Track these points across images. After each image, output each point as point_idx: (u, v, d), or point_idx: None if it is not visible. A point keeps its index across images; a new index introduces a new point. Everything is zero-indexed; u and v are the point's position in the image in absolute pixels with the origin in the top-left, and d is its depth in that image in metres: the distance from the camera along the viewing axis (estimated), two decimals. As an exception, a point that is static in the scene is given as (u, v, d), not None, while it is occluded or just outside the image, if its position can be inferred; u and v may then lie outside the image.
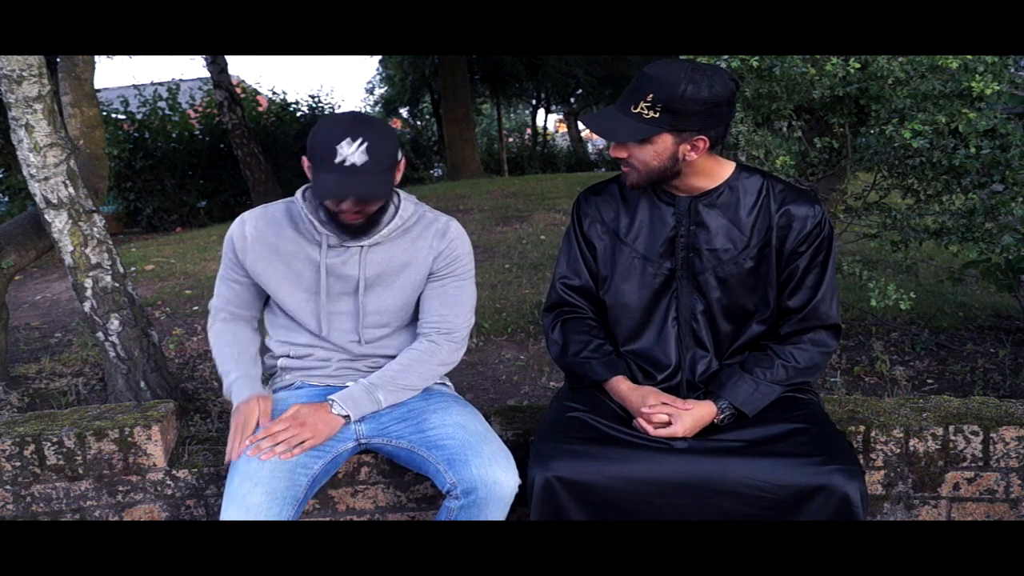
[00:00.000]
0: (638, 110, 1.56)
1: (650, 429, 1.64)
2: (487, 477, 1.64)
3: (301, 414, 1.72)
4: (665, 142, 1.59)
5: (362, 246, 1.80)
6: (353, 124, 1.62)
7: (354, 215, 1.71)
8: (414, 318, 1.91)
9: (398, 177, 1.75)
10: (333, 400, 1.77)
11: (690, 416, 1.64)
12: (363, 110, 19.01)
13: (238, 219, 1.84)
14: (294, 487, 1.67)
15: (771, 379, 1.70)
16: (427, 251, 1.84)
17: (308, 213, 1.78)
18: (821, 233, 1.69)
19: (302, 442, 1.70)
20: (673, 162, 1.62)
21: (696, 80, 1.53)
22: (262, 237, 1.81)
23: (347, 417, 1.77)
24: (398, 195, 1.85)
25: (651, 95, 1.54)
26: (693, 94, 1.53)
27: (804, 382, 1.76)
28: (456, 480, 1.66)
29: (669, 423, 1.64)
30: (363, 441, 1.84)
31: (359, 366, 1.89)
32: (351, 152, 1.60)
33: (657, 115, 1.55)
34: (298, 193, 1.83)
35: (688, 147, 1.60)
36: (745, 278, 1.72)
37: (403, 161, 1.75)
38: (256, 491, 1.61)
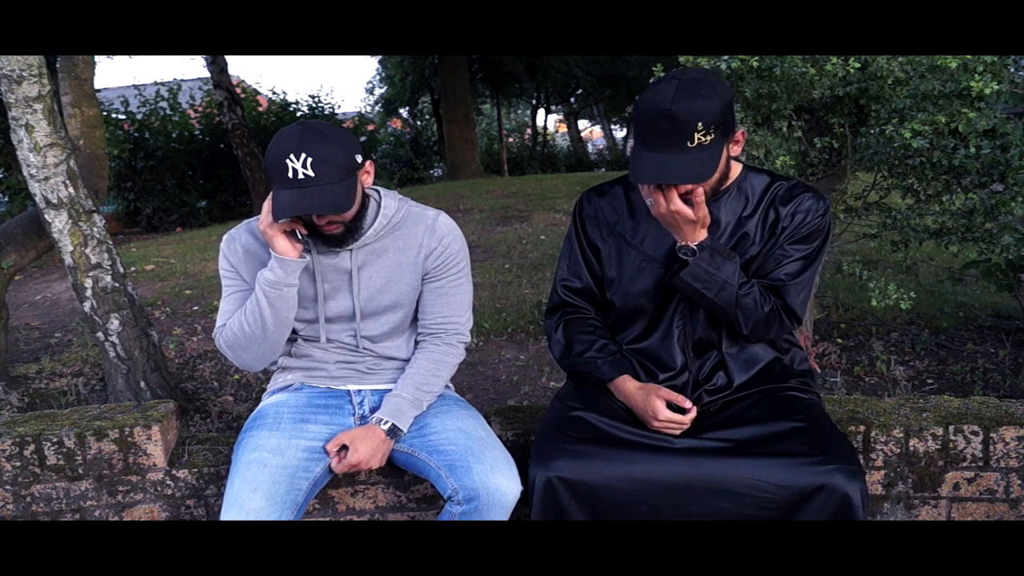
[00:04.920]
0: (696, 143, 1.55)
1: (676, 418, 1.65)
2: (489, 484, 1.64)
3: (358, 453, 1.74)
4: (724, 152, 1.62)
5: (351, 249, 1.79)
6: (299, 138, 1.59)
7: (331, 226, 1.70)
8: (414, 319, 1.91)
9: (368, 179, 1.74)
10: (386, 420, 1.77)
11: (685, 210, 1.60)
12: (365, 110, 19.00)
13: (226, 238, 1.83)
14: (294, 491, 1.67)
15: (735, 270, 1.65)
16: (417, 248, 1.83)
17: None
18: (823, 227, 1.70)
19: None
20: (727, 166, 1.67)
21: (714, 89, 1.54)
22: (253, 251, 1.80)
23: (398, 431, 1.78)
24: (378, 192, 1.84)
25: (699, 123, 1.53)
26: (721, 101, 1.55)
27: (737, 318, 1.69)
28: (458, 487, 1.66)
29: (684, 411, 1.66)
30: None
31: (360, 367, 1.89)
32: (299, 167, 1.58)
33: (713, 135, 1.56)
34: None
35: (732, 144, 1.64)
36: (752, 277, 1.72)
37: (369, 163, 1.73)
38: (256, 496, 1.61)
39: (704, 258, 1.64)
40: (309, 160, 1.58)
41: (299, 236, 1.72)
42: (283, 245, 1.68)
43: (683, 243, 1.65)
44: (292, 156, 1.58)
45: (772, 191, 1.73)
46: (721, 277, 1.64)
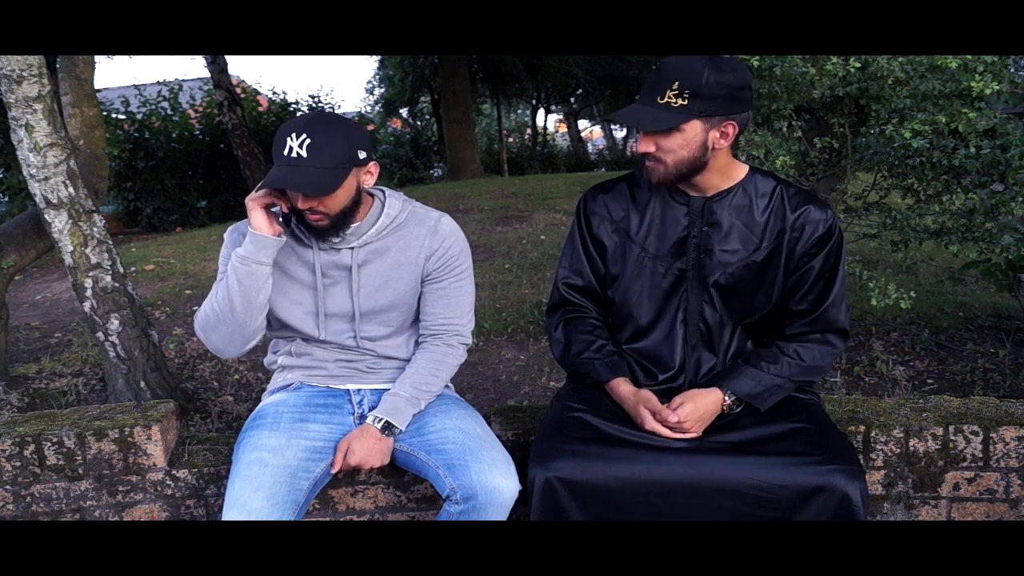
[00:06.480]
0: (665, 100, 1.56)
1: (664, 432, 1.65)
2: (487, 483, 1.64)
3: (355, 455, 1.75)
4: (695, 129, 1.59)
5: (352, 247, 1.80)
6: (306, 122, 1.64)
7: (315, 216, 1.70)
8: (414, 320, 1.91)
9: (368, 180, 1.74)
10: (380, 418, 1.77)
11: (693, 406, 1.64)
12: (365, 110, 19.00)
13: (231, 228, 1.84)
14: (295, 491, 1.67)
15: (775, 372, 1.69)
16: (418, 249, 1.83)
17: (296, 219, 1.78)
18: (832, 238, 1.70)
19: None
20: (703, 151, 1.61)
21: (718, 66, 1.55)
22: None
23: (393, 428, 1.78)
24: (383, 192, 1.85)
25: (676, 83, 1.55)
26: (718, 78, 1.54)
27: (808, 381, 1.76)
28: (456, 485, 1.66)
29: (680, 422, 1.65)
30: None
31: (360, 367, 1.89)
32: (295, 146, 1.62)
33: (685, 102, 1.55)
34: None
35: (717, 134, 1.60)
36: (754, 280, 1.72)
37: (373, 164, 1.74)
38: (257, 496, 1.61)
39: (741, 403, 1.69)
40: (307, 142, 1.62)
41: (280, 218, 1.73)
42: (258, 220, 1.70)
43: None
44: (293, 135, 1.63)
45: (777, 197, 1.71)
46: (775, 382, 1.69)
